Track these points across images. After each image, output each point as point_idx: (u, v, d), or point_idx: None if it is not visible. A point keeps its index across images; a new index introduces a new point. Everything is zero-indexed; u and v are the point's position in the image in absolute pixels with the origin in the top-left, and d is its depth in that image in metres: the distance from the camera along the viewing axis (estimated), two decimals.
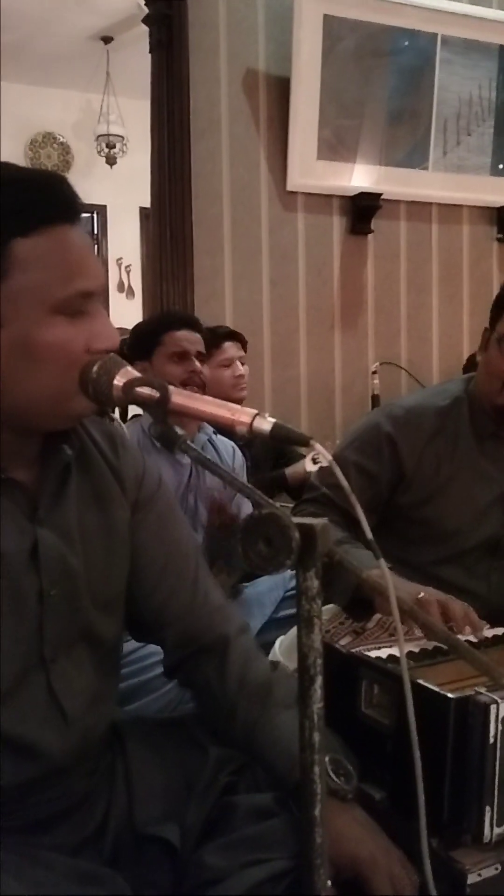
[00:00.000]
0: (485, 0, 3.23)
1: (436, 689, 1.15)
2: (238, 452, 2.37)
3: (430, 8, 2.98)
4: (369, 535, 0.89)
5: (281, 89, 3.03)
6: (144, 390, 0.93)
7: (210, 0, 2.96)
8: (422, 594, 1.47)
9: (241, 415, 0.90)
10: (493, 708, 1.10)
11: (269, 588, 2.17)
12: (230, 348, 2.73)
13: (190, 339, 2.21)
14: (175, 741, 1.24)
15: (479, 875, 1.14)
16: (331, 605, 1.65)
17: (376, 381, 3.03)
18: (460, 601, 1.49)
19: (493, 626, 1.58)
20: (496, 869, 1.15)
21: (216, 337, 2.71)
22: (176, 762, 1.21)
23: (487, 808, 1.12)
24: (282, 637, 1.71)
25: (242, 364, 2.74)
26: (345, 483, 0.90)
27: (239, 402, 2.64)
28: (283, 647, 1.66)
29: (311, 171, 3.03)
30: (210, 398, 0.94)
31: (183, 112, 2.94)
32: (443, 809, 1.14)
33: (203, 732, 1.23)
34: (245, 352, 2.78)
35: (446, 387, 1.90)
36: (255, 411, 0.90)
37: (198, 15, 2.92)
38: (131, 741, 1.23)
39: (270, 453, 2.88)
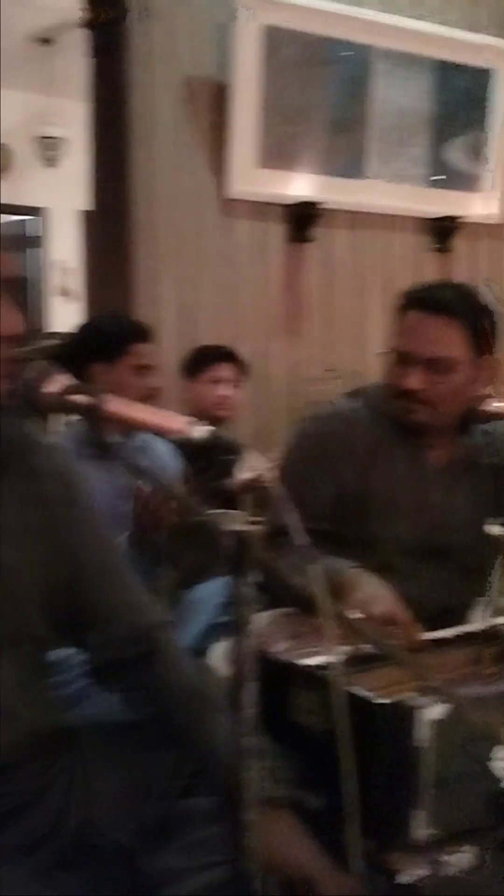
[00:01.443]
0: (423, 14, 3.28)
1: (366, 694, 1.17)
2: (175, 457, 2.37)
3: (367, 20, 3.03)
4: (302, 539, 0.90)
5: (223, 96, 3.04)
6: (78, 397, 0.93)
7: (152, 5, 2.96)
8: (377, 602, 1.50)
9: (175, 422, 0.90)
10: (422, 712, 1.13)
11: (211, 593, 2.18)
12: (221, 368, 2.82)
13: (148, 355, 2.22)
14: (133, 744, 1.24)
15: (410, 876, 1.16)
16: (272, 611, 1.66)
17: (319, 389, 3.06)
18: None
19: (428, 630, 1.62)
20: (425, 869, 1.17)
21: (207, 356, 2.82)
22: (134, 764, 1.21)
23: (419, 812, 1.14)
24: (219, 643, 1.72)
25: (235, 386, 2.82)
26: (282, 493, 0.91)
27: (219, 421, 2.71)
28: (218, 653, 1.67)
29: (251, 179, 3.05)
30: (145, 406, 0.94)
31: (123, 116, 2.93)
32: (375, 813, 1.16)
33: (161, 735, 1.24)
34: (243, 374, 2.85)
35: (365, 392, 1.94)
36: (191, 419, 0.91)
37: (139, 20, 2.91)
38: (89, 743, 1.23)
39: (206, 462, 2.89)
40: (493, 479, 1.89)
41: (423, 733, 1.13)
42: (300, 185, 3.15)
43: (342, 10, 3.01)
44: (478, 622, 1.67)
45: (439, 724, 1.13)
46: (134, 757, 1.22)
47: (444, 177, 3.39)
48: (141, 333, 2.25)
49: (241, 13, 2.83)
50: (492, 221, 3.52)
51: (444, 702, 1.10)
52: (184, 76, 3.04)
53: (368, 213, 3.30)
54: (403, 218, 3.41)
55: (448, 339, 1.77)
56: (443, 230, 3.46)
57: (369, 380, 2.01)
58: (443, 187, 3.40)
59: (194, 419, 0.92)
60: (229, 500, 2.73)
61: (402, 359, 1.79)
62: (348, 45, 3.07)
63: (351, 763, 0.94)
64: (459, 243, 3.52)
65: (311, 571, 0.92)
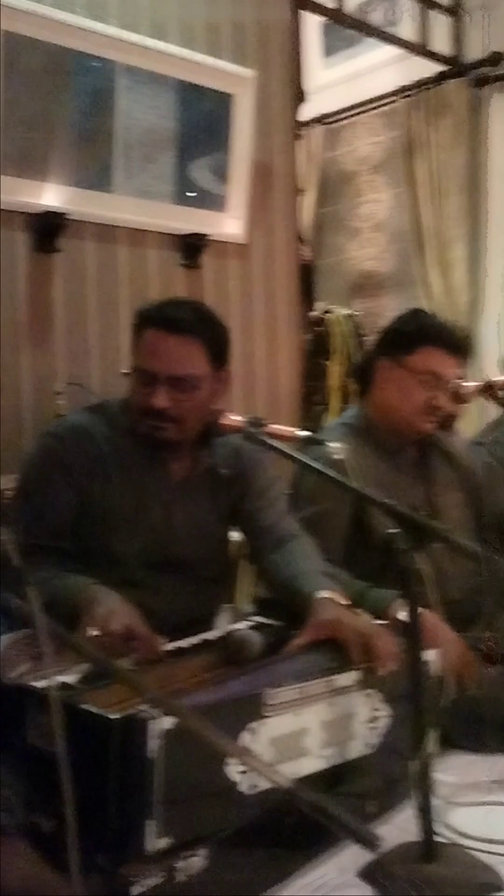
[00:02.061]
0: (166, 35, 3.35)
1: (98, 711, 1.18)
2: None
3: (109, 36, 3.04)
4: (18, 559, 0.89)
5: None
6: None
7: None
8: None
9: None
10: (151, 724, 1.14)
11: None
12: None
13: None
14: None
15: (144, 886, 1.17)
16: (12, 633, 1.62)
17: (62, 402, 3.02)
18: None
19: (171, 640, 1.65)
20: (161, 878, 1.19)
21: None
22: None
23: (149, 822, 1.15)
24: None
25: None
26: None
27: None
28: None
29: None
30: None
31: None
32: (109, 827, 1.17)
33: None
34: None
35: (106, 406, 1.96)
36: None
37: None
38: None
39: None
40: (231, 491, 1.97)
41: (153, 744, 1.15)
42: (47, 195, 3.10)
43: (84, 23, 3.00)
44: (217, 630, 1.72)
45: (169, 735, 1.16)
46: None
47: (194, 194, 3.47)
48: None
49: None
50: (237, 241, 3.65)
51: (168, 713, 1.13)
52: None
53: (117, 228, 3.31)
54: (152, 234, 3.45)
55: (189, 357, 1.81)
56: (191, 248, 3.54)
57: (116, 394, 2.02)
58: (190, 205, 3.48)
59: None
60: None
61: (145, 377, 1.81)
62: (92, 58, 3.07)
63: (69, 779, 0.93)
64: (208, 261, 3.62)
65: (28, 591, 0.91)
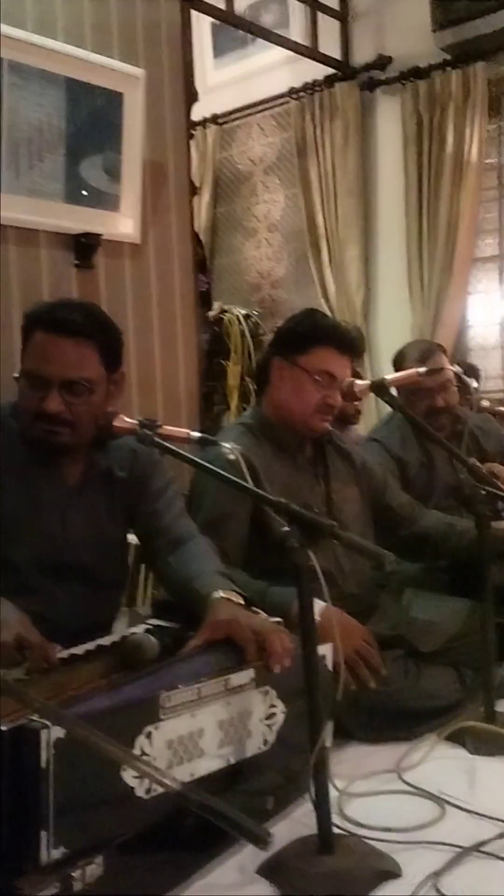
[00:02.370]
0: (54, 33, 3.29)
1: None
2: None
3: None
4: None
5: None
6: None
7: None
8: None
9: None
10: (43, 734, 1.13)
11: None
12: None
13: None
14: None
15: None
16: None
17: None
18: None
19: (69, 646, 1.62)
20: (55, 888, 1.18)
21: None
22: None
23: (43, 833, 1.14)
24: None
25: None
26: None
27: None
28: None
29: None
30: None
31: None
32: (1, 839, 1.14)
33: None
34: None
35: None
36: None
37: None
38: None
39: None
40: (127, 493, 1.95)
41: (45, 754, 1.13)
42: None
43: None
44: (113, 635, 1.71)
45: (61, 744, 1.14)
46: None
47: (85, 193, 3.42)
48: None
49: None
50: (131, 241, 3.62)
51: (57, 723, 1.11)
52: None
53: (6, 227, 3.24)
54: (44, 233, 3.39)
55: (82, 361, 1.79)
56: (84, 247, 3.49)
57: (6, 398, 1.97)
58: (82, 204, 3.43)
59: None
60: None
61: (36, 381, 1.78)
62: None
63: None
64: (102, 261, 3.57)
65: None
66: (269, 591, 1.94)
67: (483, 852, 1.48)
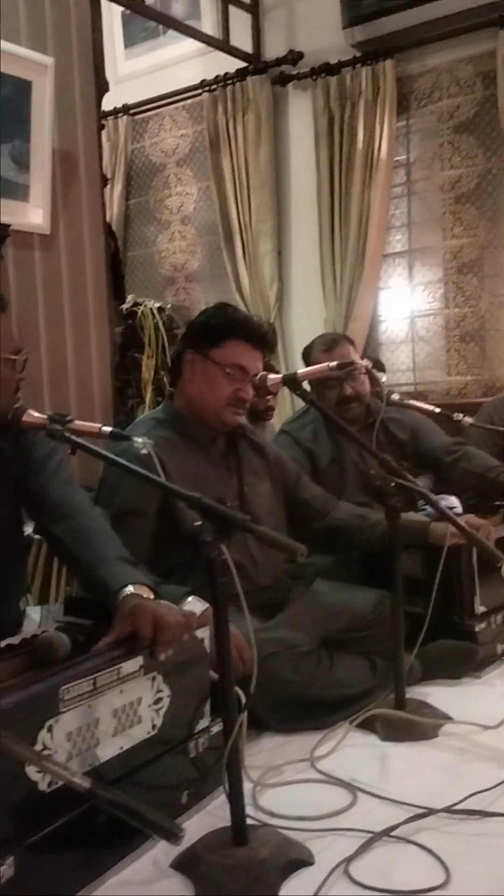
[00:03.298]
0: None
1: None
2: None
3: None
4: None
5: None
6: None
7: None
8: None
9: None
10: None
11: None
12: None
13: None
14: None
15: None
16: None
17: None
18: None
19: None
20: None
21: None
22: None
23: None
24: None
25: None
26: None
27: None
28: None
29: None
30: None
31: None
32: None
33: None
34: None
35: None
36: None
37: None
38: None
39: None
40: (12, 471, 1.88)
41: None
42: None
43: None
44: (24, 633, 1.68)
45: None
46: None
47: None
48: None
49: None
50: (41, 231, 3.55)
51: None
52: None
53: None
54: None
55: None
56: None
57: None
58: None
59: None
60: None
61: None
62: None
63: None
64: (11, 252, 3.49)
65: None
66: (161, 588, 1.95)
67: (393, 836, 1.51)
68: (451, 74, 4.47)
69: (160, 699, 1.57)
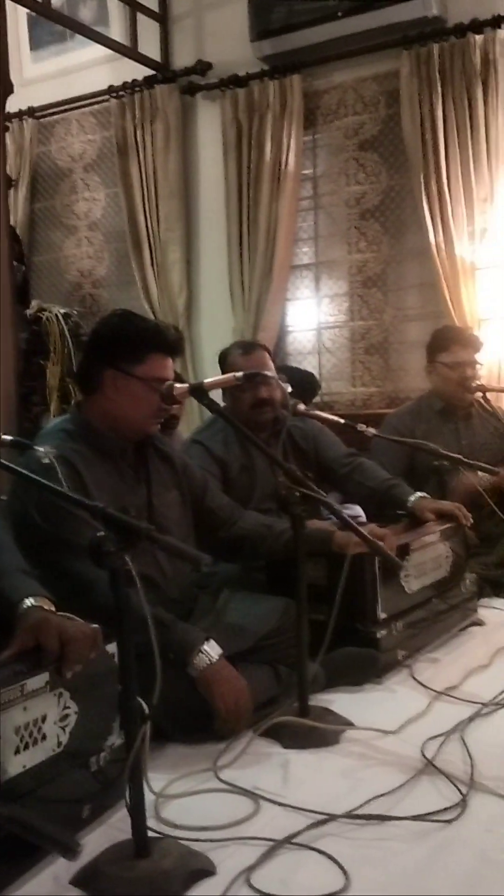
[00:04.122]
0: None
1: None
2: None
3: None
4: None
5: None
6: None
7: None
8: None
9: None
10: None
11: None
12: None
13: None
14: None
15: None
16: None
17: None
18: None
19: None
20: None
21: None
22: None
23: None
24: None
25: None
26: None
27: None
28: None
29: None
30: None
31: None
32: None
33: None
34: None
35: None
36: None
37: None
38: None
39: None
40: None
41: None
42: None
43: None
44: None
45: None
46: None
47: None
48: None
49: None
50: None
51: None
52: None
53: None
54: None
55: None
56: None
57: None
58: None
59: None
60: None
61: None
62: None
63: None
64: None
65: None
66: (178, 626, 1.96)
67: (294, 843, 1.53)
68: (357, 92, 4.56)
69: (67, 716, 1.53)
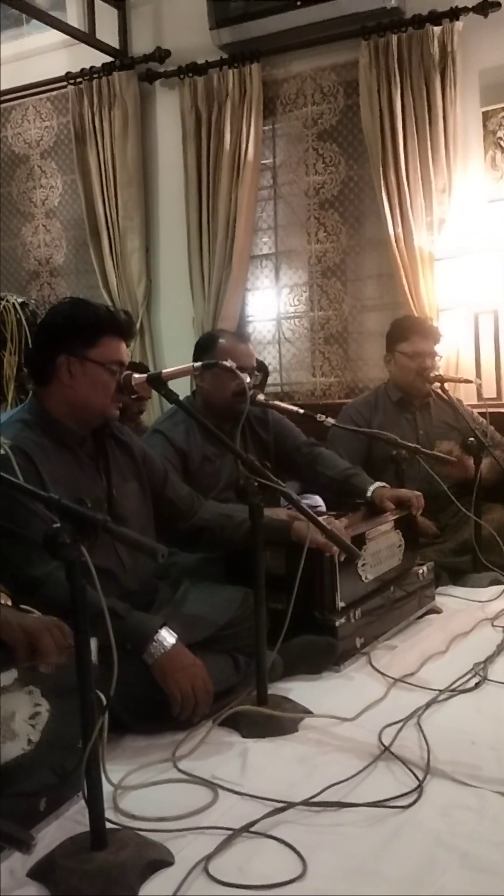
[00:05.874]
0: None
1: None
2: None
3: None
4: None
5: None
6: None
7: None
8: None
9: None
10: None
11: None
12: None
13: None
14: None
15: None
16: None
17: None
18: None
19: None
20: None
21: None
22: None
23: None
24: None
25: None
26: None
27: None
28: None
29: None
30: None
31: None
32: None
33: None
34: None
35: None
36: None
37: None
38: None
39: None
40: None
41: None
42: None
43: None
44: None
45: None
46: None
47: None
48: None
49: None
50: None
51: None
52: None
53: None
54: None
55: None
56: None
57: None
58: None
59: None
60: None
61: None
62: None
63: None
64: None
65: None
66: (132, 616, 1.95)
67: (252, 832, 1.53)
68: (316, 82, 4.56)
69: (38, 713, 1.51)
